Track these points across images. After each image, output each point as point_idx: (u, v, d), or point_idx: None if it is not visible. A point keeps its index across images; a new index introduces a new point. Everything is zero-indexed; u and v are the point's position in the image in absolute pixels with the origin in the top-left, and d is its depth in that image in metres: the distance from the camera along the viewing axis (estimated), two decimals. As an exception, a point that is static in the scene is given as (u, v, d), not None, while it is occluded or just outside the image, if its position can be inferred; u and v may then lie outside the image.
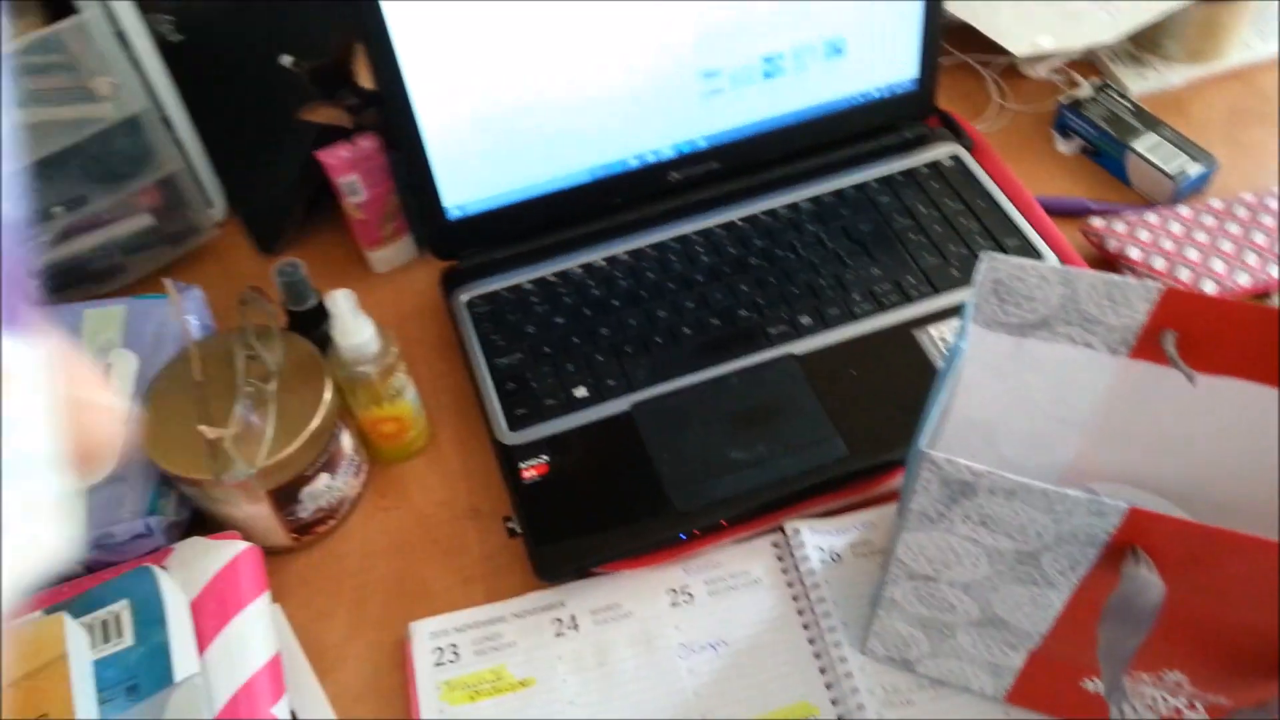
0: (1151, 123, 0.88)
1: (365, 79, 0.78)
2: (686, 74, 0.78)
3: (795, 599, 0.65)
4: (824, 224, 0.82)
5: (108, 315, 0.78)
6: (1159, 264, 0.78)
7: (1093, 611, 0.47)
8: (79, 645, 0.58)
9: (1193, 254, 0.78)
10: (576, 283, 0.80)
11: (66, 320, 0.77)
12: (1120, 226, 0.81)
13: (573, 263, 0.82)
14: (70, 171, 0.80)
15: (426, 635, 0.66)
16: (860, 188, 0.84)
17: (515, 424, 0.72)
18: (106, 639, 0.60)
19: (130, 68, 0.78)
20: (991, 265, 0.54)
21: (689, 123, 0.81)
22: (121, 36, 0.77)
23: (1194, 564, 0.45)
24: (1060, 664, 0.55)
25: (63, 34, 0.73)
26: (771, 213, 0.83)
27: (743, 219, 0.83)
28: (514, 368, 0.76)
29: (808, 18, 0.79)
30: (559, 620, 0.66)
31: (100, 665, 0.59)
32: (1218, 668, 0.50)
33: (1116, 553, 0.46)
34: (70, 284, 0.85)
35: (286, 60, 0.81)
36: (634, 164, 0.81)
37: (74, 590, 0.63)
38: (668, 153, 0.82)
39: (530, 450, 0.71)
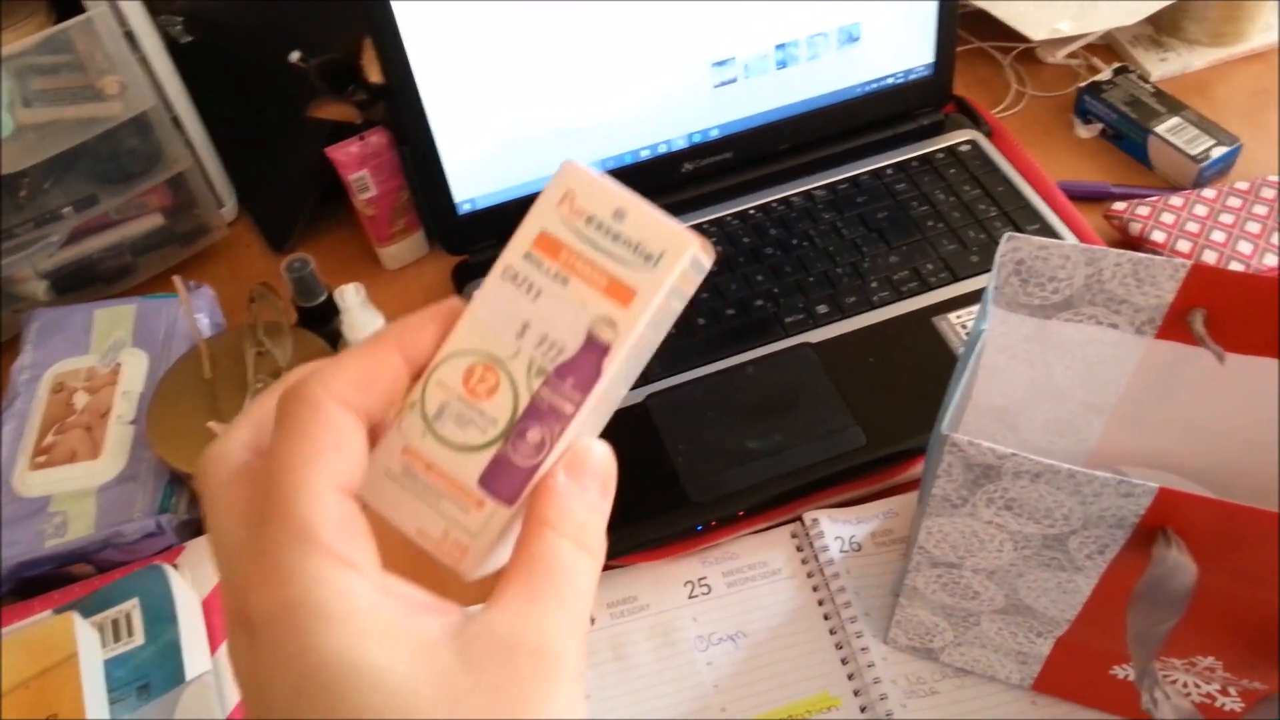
0: (1173, 105, 0.86)
1: (374, 73, 0.77)
2: (698, 64, 0.77)
3: (815, 589, 0.64)
4: (840, 212, 0.81)
5: (118, 315, 0.77)
6: (1183, 247, 0.77)
7: (1122, 596, 0.46)
8: (89, 644, 0.58)
9: (1218, 236, 0.77)
10: (589, 275, 0.79)
11: (77, 320, 0.77)
12: (1143, 210, 0.79)
13: (585, 255, 0.81)
14: (79, 172, 0.80)
15: (441, 632, 0.65)
16: (876, 175, 0.83)
17: (528, 418, 0.71)
18: (117, 638, 0.59)
19: (138, 67, 0.77)
20: (1013, 245, 0.53)
21: (701, 113, 0.80)
22: (130, 36, 0.77)
23: (1227, 545, 0.43)
24: (1089, 651, 0.53)
25: (70, 33, 0.73)
26: (786, 201, 0.82)
27: (757, 208, 0.82)
28: (527, 361, 0.75)
29: (823, 5, 0.77)
30: (575, 615, 0.65)
31: (111, 664, 0.58)
32: (1252, 652, 0.48)
33: (1146, 535, 0.44)
34: (80, 285, 0.84)
35: (294, 56, 0.81)
36: (646, 155, 0.80)
37: (84, 589, 0.63)
38: (680, 143, 0.81)
39: (544, 444, 0.70)
